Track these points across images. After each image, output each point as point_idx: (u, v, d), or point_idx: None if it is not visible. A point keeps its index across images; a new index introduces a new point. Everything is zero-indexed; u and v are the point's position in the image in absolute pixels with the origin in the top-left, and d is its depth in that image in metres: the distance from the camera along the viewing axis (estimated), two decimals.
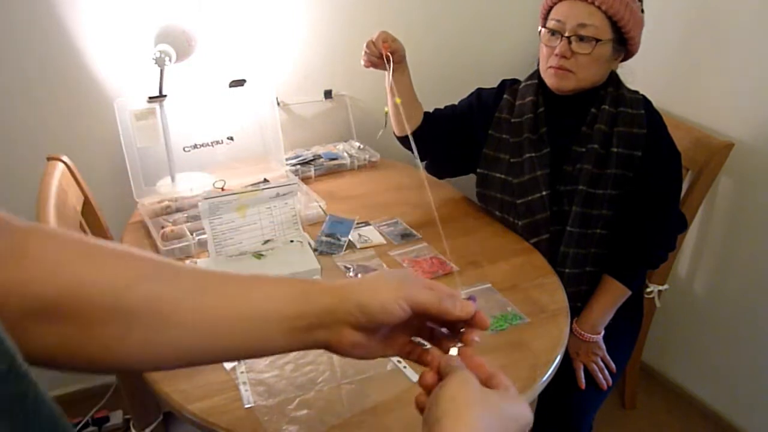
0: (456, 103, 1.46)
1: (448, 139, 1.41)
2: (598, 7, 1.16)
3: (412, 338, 0.61)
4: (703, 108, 1.65)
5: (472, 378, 0.54)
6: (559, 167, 1.30)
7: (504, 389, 0.55)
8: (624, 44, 1.22)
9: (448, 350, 0.59)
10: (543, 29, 1.25)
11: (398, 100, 1.29)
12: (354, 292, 0.54)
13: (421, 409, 0.54)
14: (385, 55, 1.24)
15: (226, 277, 0.53)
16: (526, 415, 0.54)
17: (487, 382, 0.55)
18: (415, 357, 0.61)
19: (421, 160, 1.48)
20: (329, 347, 0.55)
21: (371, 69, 1.30)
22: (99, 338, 0.45)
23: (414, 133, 1.38)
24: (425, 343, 0.62)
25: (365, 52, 1.27)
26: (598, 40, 1.18)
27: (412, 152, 1.45)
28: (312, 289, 0.54)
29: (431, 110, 1.43)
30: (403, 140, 1.42)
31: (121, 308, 0.46)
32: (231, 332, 0.51)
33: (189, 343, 0.49)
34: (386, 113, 1.34)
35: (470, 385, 0.53)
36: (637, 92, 1.30)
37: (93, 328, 0.45)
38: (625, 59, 1.28)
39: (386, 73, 1.28)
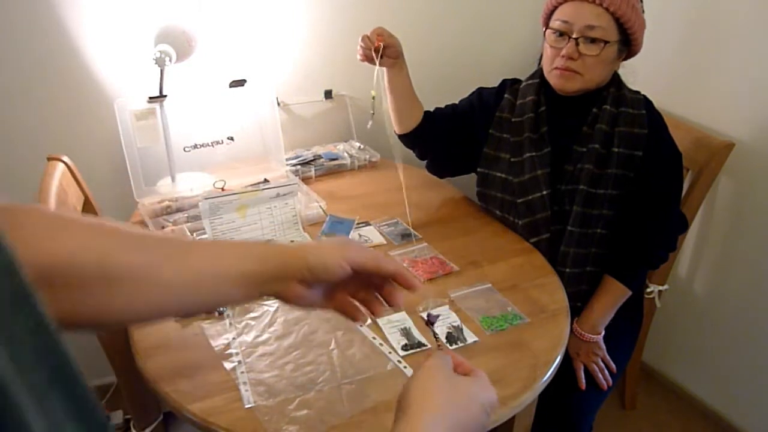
0: (456, 102, 1.46)
1: (448, 138, 1.41)
2: (606, 9, 1.15)
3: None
4: (703, 108, 1.65)
5: (443, 364, 0.62)
6: (560, 167, 1.29)
7: (476, 376, 0.63)
8: (628, 45, 1.22)
9: (379, 312, 0.69)
10: (548, 30, 1.24)
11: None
12: (303, 253, 0.63)
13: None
14: (376, 46, 1.24)
15: (199, 244, 0.64)
16: (492, 398, 0.62)
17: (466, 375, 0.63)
18: (351, 314, 0.69)
19: (422, 159, 1.48)
20: (278, 297, 0.64)
21: (372, 69, 1.30)
22: (87, 302, 0.51)
23: (414, 132, 1.38)
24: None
25: (360, 45, 1.27)
26: (606, 42, 1.17)
27: (413, 150, 1.46)
28: (269, 251, 0.63)
29: (432, 109, 1.43)
30: (404, 138, 1.42)
31: (107, 275, 0.51)
32: (201, 290, 0.59)
33: (167, 301, 0.57)
34: (373, 97, 1.34)
35: (440, 371, 0.61)
36: (638, 92, 1.30)
37: (83, 293, 0.50)
38: (625, 59, 1.28)
39: (377, 66, 1.28)
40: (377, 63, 1.27)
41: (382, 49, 1.24)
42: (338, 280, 0.64)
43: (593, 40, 1.17)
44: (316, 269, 0.62)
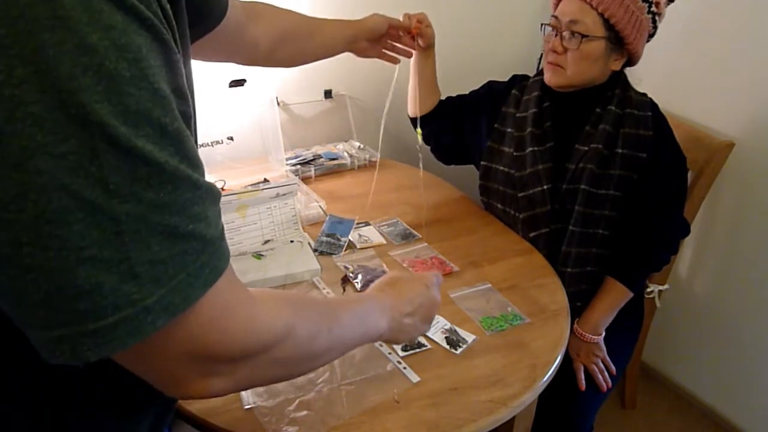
0: (467, 93, 1.50)
1: (453, 126, 1.46)
2: (590, 4, 1.18)
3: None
4: (703, 108, 1.65)
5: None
6: (562, 164, 1.30)
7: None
8: (621, 44, 1.22)
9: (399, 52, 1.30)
10: (546, 25, 1.27)
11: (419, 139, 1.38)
12: (363, 22, 1.23)
13: None
14: (412, 32, 1.30)
15: (331, 23, 1.20)
16: (430, 277, 0.84)
17: None
18: (388, 58, 1.32)
19: (427, 144, 1.52)
20: (355, 51, 1.26)
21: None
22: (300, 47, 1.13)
23: (425, 116, 1.45)
24: None
25: (400, 22, 1.30)
26: (584, 36, 1.19)
27: (416, 135, 1.47)
28: (355, 23, 1.22)
29: (443, 98, 1.48)
30: (414, 120, 1.45)
31: (301, 31, 1.12)
32: (332, 44, 1.20)
33: (313, 50, 1.17)
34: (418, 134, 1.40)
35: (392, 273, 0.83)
36: (644, 94, 1.30)
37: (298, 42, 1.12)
38: (630, 64, 1.28)
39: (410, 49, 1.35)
40: (416, 47, 1.35)
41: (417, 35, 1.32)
42: (383, 33, 1.25)
43: (574, 34, 1.19)
44: (374, 27, 1.22)
